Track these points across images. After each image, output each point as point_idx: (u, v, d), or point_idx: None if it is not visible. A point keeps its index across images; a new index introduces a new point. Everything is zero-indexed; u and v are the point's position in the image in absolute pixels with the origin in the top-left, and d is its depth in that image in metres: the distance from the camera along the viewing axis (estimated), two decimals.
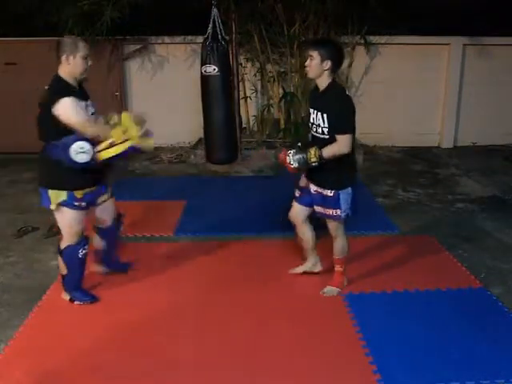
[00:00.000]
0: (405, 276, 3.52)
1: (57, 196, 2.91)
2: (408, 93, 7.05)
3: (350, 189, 3.04)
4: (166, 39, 6.78)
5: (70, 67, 2.84)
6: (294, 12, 6.31)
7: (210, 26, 4.76)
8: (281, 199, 5.13)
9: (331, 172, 3.00)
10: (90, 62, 2.91)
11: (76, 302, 3.15)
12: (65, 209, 2.95)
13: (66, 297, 3.18)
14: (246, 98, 6.69)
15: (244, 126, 6.75)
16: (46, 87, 2.88)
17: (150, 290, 3.31)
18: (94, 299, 3.17)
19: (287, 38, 6.45)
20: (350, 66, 6.76)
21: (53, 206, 2.93)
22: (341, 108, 2.92)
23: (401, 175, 5.96)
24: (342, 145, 2.89)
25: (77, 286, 3.16)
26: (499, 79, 7.07)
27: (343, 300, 3.22)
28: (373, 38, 6.72)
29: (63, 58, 2.83)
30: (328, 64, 2.89)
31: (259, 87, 6.94)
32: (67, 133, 2.77)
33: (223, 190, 5.48)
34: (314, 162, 2.93)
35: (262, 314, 3.10)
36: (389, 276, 3.53)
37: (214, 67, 4.74)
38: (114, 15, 5.69)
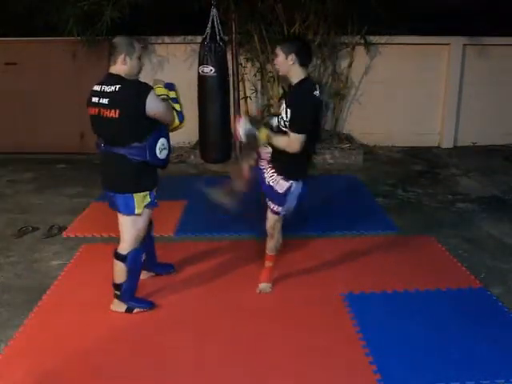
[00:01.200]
0: (405, 276, 3.52)
1: (143, 199, 2.88)
2: (408, 93, 7.05)
3: (290, 182, 3.08)
4: (166, 39, 6.77)
5: (127, 67, 2.79)
6: (294, 12, 6.31)
7: (209, 26, 4.77)
8: None
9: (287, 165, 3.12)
10: (142, 63, 2.92)
11: (136, 310, 3.06)
12: (147, 210, 2.93)
13: (121, 308, 3.06)
14: (245, 97, 6.68)
15: None
16: (113, 88, 2.71)
17: (150, 290, 3.31)
18: (152, 306, 3.11)
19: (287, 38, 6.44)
20: (350, 66, 6.76)
21: (139, 210, 2.87)
22: (298, 107, 2.92)
23: (401, 175, 5.96)
24: (291, 143, 2.91)
25: (133, 294, 3.07)
26: (499, 79, 7.07)
27: (343, 300, 3.22)
28: (373, 38, 6.71)
29: (120, 58, 2.77)
30: (292, 58, 2.93)
31: (259, 87, 6.93)
32: (149, 131, 2.78)
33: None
34: (262, 143, 3.03)
35: (262, 314, 3.10)
36: (389, 276, 3.53)
37: (210, 68, 4.75)
38: (114, 15, 5.69)
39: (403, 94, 7.05)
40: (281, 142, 2.99)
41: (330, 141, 6.70)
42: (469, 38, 6.81)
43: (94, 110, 2.79)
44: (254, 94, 6.86)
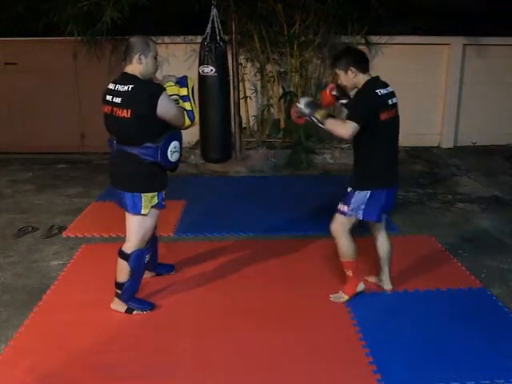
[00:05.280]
0: (405, 276, 3.52)
1: (151, 199, 2.88)
2: (408, 93, 7.01)
3: (368, 192, 2.99)
4: (166, 39, 6.77)
5: (142, 67, 2.78)
6: (294, 12, 6.32)
7: (209, 26, 4.76)
8: (281, 199, 5.15)
9: (356, 172, 3.10)
10: (158, 63, 2.91)
11: (135, 312, 3.05)
12: (155, 211, 2.93)
13: (121, 307, 3.05)
14: (245, 97, 6.68)
15: (244, 126, 6.75)
16: (126, 87, 2.71)
17: (150, 290, 3.30)
18: (152, 307, 3.10)
19: (287, 38, 6.45)
20: None
21: (145, 211, 2.86)
22: (355, 99, 2.97)
23: (401, 175, 5.91)
24: (343, 127, 2.85)
25: (134, 294, 3.06)
26: (499, 79, 7.07)
27: None
28: (373, 38, 6.72)
29: (135, 57, 2.76)
30: (353, 71, 2.95)
31: (259, 87, 6.93)
32: (162, 132, 2.79)
33: (223, 190, 5.48)
34: (315, 119, 2.95)
35: (262, 314, 3.09)
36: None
37: (211, 68, 4.74)
38: (114, 15, 5.69)
39: (403, 94, 6.96)
40: (333, 123, 2.92)
41: (330, 141, 6.70)
42: (469, 37, 6.82)
43: (107, 109, 2.80)
44: (254, 94, 6.86)
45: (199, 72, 4.86)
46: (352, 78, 2.96)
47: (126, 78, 2.78)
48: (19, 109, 6.79)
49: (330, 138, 6.77)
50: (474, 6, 6.98)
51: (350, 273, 3.16)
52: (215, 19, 4.75)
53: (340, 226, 3.08)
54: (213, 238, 4.17)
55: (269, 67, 6.69)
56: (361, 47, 6.74)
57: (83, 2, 5.75)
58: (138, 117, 2.71)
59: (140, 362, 2.65)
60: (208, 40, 4.75)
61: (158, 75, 3.11)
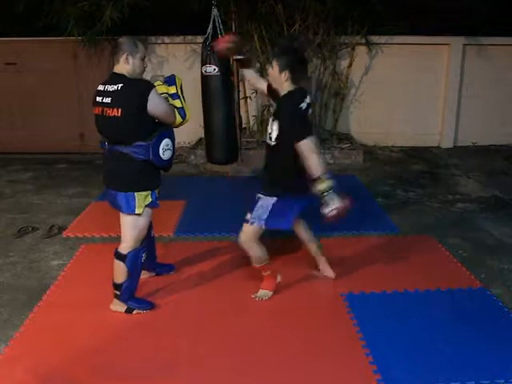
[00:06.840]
0: (405, 276, 3.52)
1: (145, 198, 2.88)
2: (408, 93, 7.05)
3: (274, 199, 2.98)
4: (166, 39, 6.78)
5: (129, 67, 2.80)
6: (294, 12, 6.32)
7: (210, 26, 4.77)
8: None
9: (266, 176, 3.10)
10: (146, 64, 2.93)
11: (135, 312, 3.05)
12: (148, 210, 2.94)
13: (120, 308, 3.04)
14: (246, 98, 6.68)
15: (244, 125, 6.75)
16: (115, 87, 2.73)
17: (150, 290, 3.31)
18: (152, 306, 3.10)
19: None
20: (350, 66, 6.77)
21: (139, 210, 2.87)
22: (289, 119, 2.85)
23: (401, 175, 5.95)
24: (307, 149, 2.80)
25: (133, 294, 3.06)
26: (499, 79, 7.08)
27: (343, 300, 3.22)
28: (373, 38, 6.73)
29: (123, 57, 2.78)
30: (286, 74, 2.87)
31: None
32: (153, 130, 2.79)
33: (223, 190, 5.48)
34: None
35: (262, 314, 3.10)
36: (389, 276, 3.53)
37: (214, 67, 4.74)
38: (114, 15, 5.70)
39: (403, 94, 7.05)
40: (310, 163, 2.82)
41: (330, 141, 6.71)
42: (469, 37, 6.82)
43: (97, 110, 2.81)
44: (254, 94, 6.85)
45: (202, 72, 4.86)
46: (281, 81, 2.91)
47: (115, 78, 2.80)
48: (19, 109, 6.79)
49: (330, 138, 6.79)
50: (474, 6, 6.98)
51: (267, 272, 3.21)
52: (216, 19, 4.75)
53: (248, 236, 3.05)
54: (213, 238, 4.17)
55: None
56: (361, 47, 6.79)
57: (83, 2, 5.76)
58: (128, 115, 2.72)
59: (140, 361, 2.65)
60: (210, 40, 4.75)
61: (152, 76, 3.13)
